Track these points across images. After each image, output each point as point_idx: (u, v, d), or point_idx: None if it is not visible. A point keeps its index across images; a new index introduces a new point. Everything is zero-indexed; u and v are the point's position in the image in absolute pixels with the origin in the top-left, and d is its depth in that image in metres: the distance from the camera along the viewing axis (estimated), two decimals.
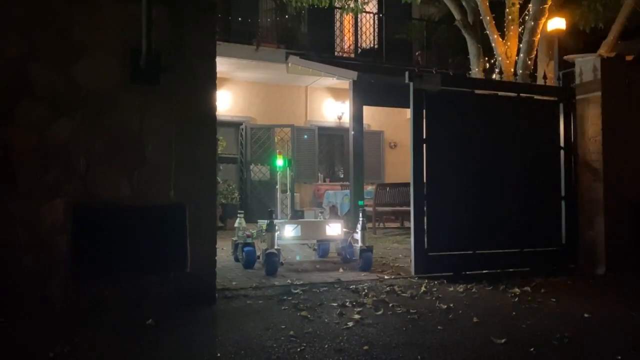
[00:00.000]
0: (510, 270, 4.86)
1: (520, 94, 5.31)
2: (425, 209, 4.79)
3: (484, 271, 4.81)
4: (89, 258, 3.42)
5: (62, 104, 3.39)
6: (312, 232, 5.34)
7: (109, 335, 2.91)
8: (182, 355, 2.58)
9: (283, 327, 3.05)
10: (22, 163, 3.30)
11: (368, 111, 9.86)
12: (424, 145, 4.87)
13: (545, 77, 5.58)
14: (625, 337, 3.00)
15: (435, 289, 4.16)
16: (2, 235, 3.22)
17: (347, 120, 10.81)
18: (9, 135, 3.28)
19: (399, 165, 13.25)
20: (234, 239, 5.49)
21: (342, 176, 12.95)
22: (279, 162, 6.24)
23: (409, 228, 10.27)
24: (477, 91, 5.25)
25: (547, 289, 4.18)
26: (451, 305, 3.59)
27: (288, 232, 5.10)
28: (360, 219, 5.18)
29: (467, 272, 4.76)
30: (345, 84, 9.90)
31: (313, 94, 12.84)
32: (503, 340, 2.80)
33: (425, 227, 4.78)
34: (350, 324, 3.11)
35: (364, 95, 8.55)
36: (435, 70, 4.98)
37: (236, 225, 5.48)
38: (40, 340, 2.80)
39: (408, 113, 15.25)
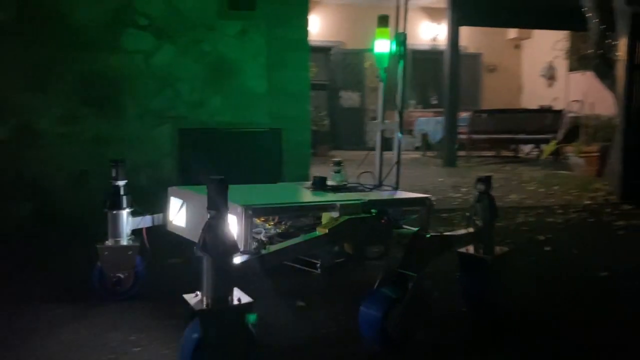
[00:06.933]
0: None
1: None
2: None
3: None
4: (192, 180, 3.65)
5: (166, 32, 3.52)
6: None
7: None
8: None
9: None
10: (131, 89, 3.50)
11: (465, 32, 9.30)
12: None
13: None
14: None
15: None
16: (115, 156, 3.49)
17: (442, 42, 10.29)
18: (119, 62, 3.47)
19: (498, 91, 12.56)
20: None
21: (435, 102, 12.53)
22: (380, 45, 2.48)
23: (506, 157, 9.83)
24: None
25: None
26: None
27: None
28: None
29: None
30: (441, 2, 9.34)
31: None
32: None
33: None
34: None
35: (462, 14, 8.03)
36: None
37: None
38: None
39: (509, 33, 14.11)
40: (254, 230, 1.86)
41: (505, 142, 9.77)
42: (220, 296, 1.36)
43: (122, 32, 3.45)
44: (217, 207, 1.33)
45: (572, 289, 2.45)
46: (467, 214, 2.05)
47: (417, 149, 11.11)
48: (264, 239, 1.83)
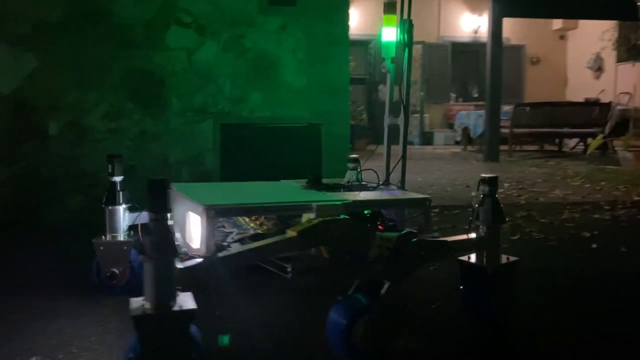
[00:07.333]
0: None
1: None
2: None
3: None
4: (233, 174, 3.72)
5: (209, 29, 3.59)
6: None
7: None
8: None
9: None
10: (174, 85, 3.59)
11: (508, 23, 9.09)
12: None
13: None
14: None
15: None
16: (160, 151, 3.60)
17: (483, 34, 10.09)
18: (163, 59, 3.56)
19: (541, 83, 12.24)
20: None
21: (476, 95, 12.31)
22: (387, 33, 2.21)
23: (550, 151, 9.59)
24: None
25: None
26: None
27: None
28: None
29: None
30: None
31: (446, 7, 12.09)
32: None
33: None
34: None
35: (504, 5, 7.85)
36: None
37: None
38: None
39: (554, 24, 13.85)
40: (230, 230, 1.79)
41: (549, 136, 9.52)
42: (160, 302, 1.28)
43: (166, 29, 3.54)
44: (156, 209, 1.28)
45: (616, 289, 2.38)
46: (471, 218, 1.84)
47: (457, 143, 10.95)
48: (229, 240, 1.71)
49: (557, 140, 10.02)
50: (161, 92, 3.57)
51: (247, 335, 1.78)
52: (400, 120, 2.19)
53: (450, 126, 11.66)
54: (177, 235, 1.46)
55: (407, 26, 2.10)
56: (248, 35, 3.63)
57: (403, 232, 1.69)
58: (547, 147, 10.02)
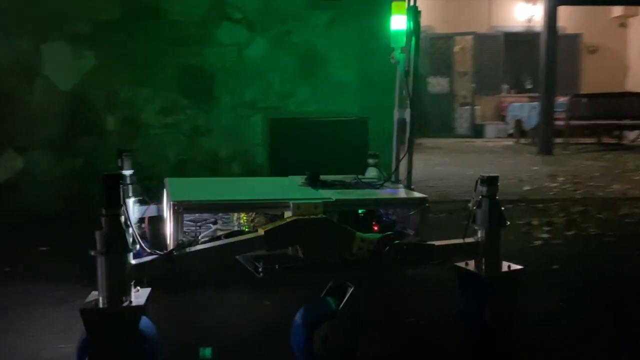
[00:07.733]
0: None
1: None
2: None
3: None
4: (281, 168, 3.77)
5: (259, 25, 3.63)
6: None
7: None
8: None
9: None
10: (225, 81, 3.67)
11: (563, 11, 8.74)
12: None
13: None
14: None
15: None
16: (211, 146, 3.69)
17: (537, 23, 9.76)
18: (214, 55, 3.64)
19: (599, 73, 11.72)
20: None
21: (529, 87, 11.93)
22: (396, 22, 2.07)
23: (608, 144, 9.22)
24: None
25: None
26: None
27: None
28: None
29: None
30: None
31: None
32: None
33: None
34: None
35: None
36: None
37: None
38: None
39: (614, 11, 13.26)
40: (212, 227, 1.75)
41: (607, 128, 9.13)
42: (110, 297, 1.29)
43: (218, 26, 3.62)
44: (108, 204, 1.28)
45: None
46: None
47: (509, 136, 10.67)
48: (202, 237, 1.65)
49: (616, 133, 9.60)
50: (213, 87, 3.65)
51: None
52: (407, 114, 2.11)
53: (502, 118, 11.37)
54: (131, 230, 1.40)
55: (413, 13, 1.95)
56: (296, 31, 3.65)
57: (386, 233, 1.60)
58: (605, 139, 9.61)
